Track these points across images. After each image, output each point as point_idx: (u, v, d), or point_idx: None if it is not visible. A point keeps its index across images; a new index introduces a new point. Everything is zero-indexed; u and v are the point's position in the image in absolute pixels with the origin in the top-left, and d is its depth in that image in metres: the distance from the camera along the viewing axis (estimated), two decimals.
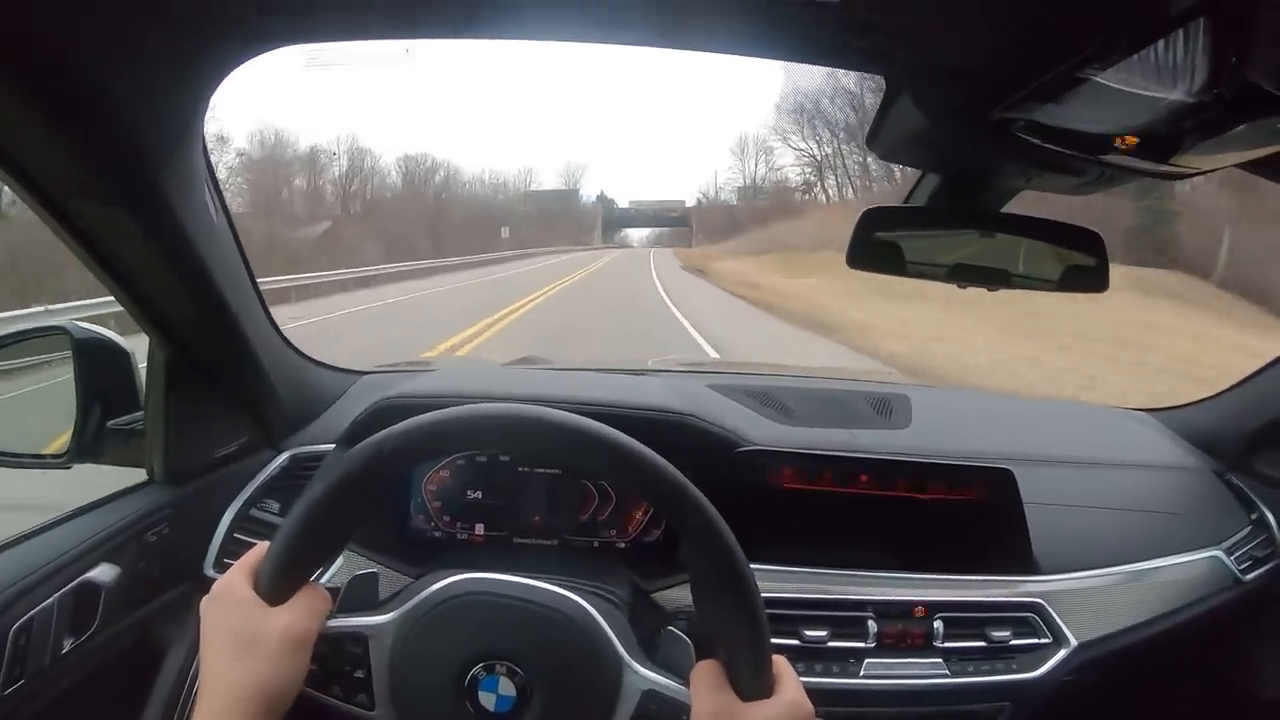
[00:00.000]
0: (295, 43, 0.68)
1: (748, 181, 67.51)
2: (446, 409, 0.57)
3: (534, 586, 0.63)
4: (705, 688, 0.57)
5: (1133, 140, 0.69)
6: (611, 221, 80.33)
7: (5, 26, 0.51)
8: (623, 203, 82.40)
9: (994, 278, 0.82)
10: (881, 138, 0.76)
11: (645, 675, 0.61)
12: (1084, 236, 0.84)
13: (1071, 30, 0.55)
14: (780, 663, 0.58)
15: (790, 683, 0.58)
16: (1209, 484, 1.11)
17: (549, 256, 43.41)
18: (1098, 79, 0.59)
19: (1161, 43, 0.54)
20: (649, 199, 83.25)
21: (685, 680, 0.59)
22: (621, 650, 0.62)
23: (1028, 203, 0.88)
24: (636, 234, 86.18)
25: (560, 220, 73.14)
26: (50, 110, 0.58)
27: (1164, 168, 0.76)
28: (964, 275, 0.82)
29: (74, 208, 0.68)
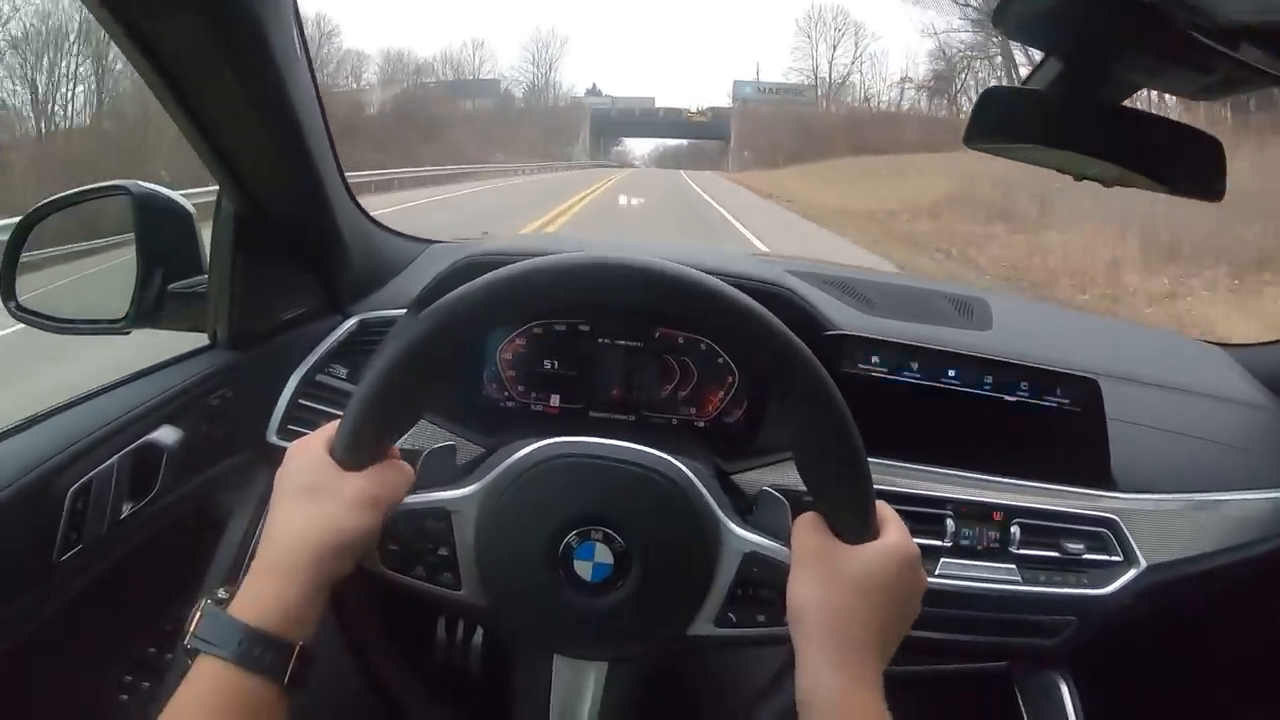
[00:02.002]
0: None
1: (822, 75, 49.94)
2: (524, 261, 0.53)
3: (628, 448, 0.60)
4: (807, 533, 0.56)
5: (1273, 38, 0.65)
6: (606, 126, 61.98)
7: None
8: (621, 100, 62.73)
9: (1110, 171, 0.78)
10: (1011, 13, 0.72)
11: (745, 536, 0.59)
12: (1203, 141, 0.81)
13: None
14: (885, 509, 0.57)
15: (895, 527, 0.57)
16: (1278, 424, 1.09)
17: (485, 180, 26.93)
18: None
19: None
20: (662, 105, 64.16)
21: (785, 540, 0.57)
22: (720, 513, 0.59)
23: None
24: (641, 147, 70.27)
25: (523, 122, 54.54)
26: None
27: None
28: (1080, 165, 0.78)
29: (151, 18, 0.63)
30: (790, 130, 45.84)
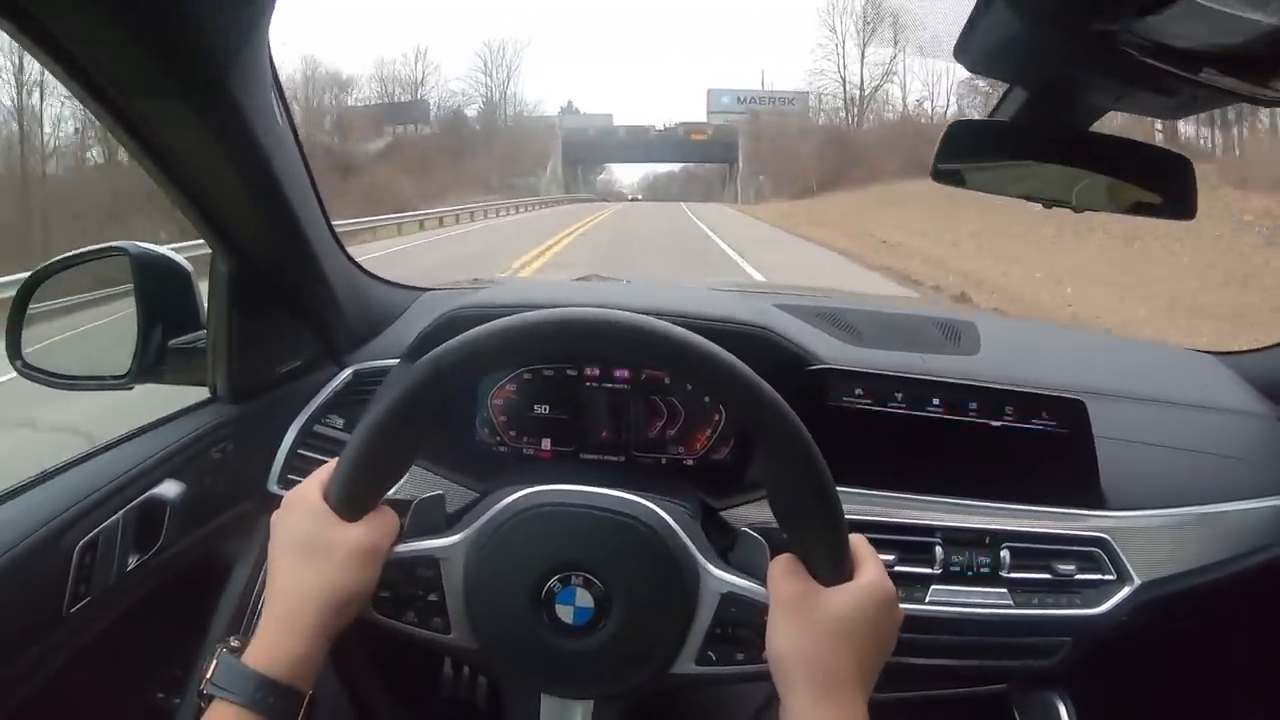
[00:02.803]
0: None
1: (854, 80, 38.47)
2: (508, 318, 0.56)
3: (606, 495, 0.63)
4: (783, 577, 0.57)
5: (1232, 60, 0.66)
6: (583, 151, 50.59)
7: None
8: (599, 119, 51.76)
9: (1080, 197, 0.79)
10: (971, 47, 0.73)
11: (723, 578, 0.61)
12: (1172, 161, 0.82)
13: None
14: (860, 545, 0.58)
15: (870, 564, 0.58)
16: (1275, 432, 1.09)
17: (407, 236, 17.64)
18: None
19: None
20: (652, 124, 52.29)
21: (762, 580, 0.59)
22: (698, 555, 0.61)
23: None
24: (628, 174, 60.23)
25: (472, 149, 42.28)
26: (111, 2, 0.56)
27: (1263, 91, 0.73)
28: (1047, 194, 0.80)
29: (135, 104, 0.66)
30: (817, 147, 36.73)
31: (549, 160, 46.65)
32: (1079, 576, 0.89)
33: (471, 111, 48.03)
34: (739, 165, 44.42)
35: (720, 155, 49.30)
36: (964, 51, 0.74)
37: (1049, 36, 0.70)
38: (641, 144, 51.56)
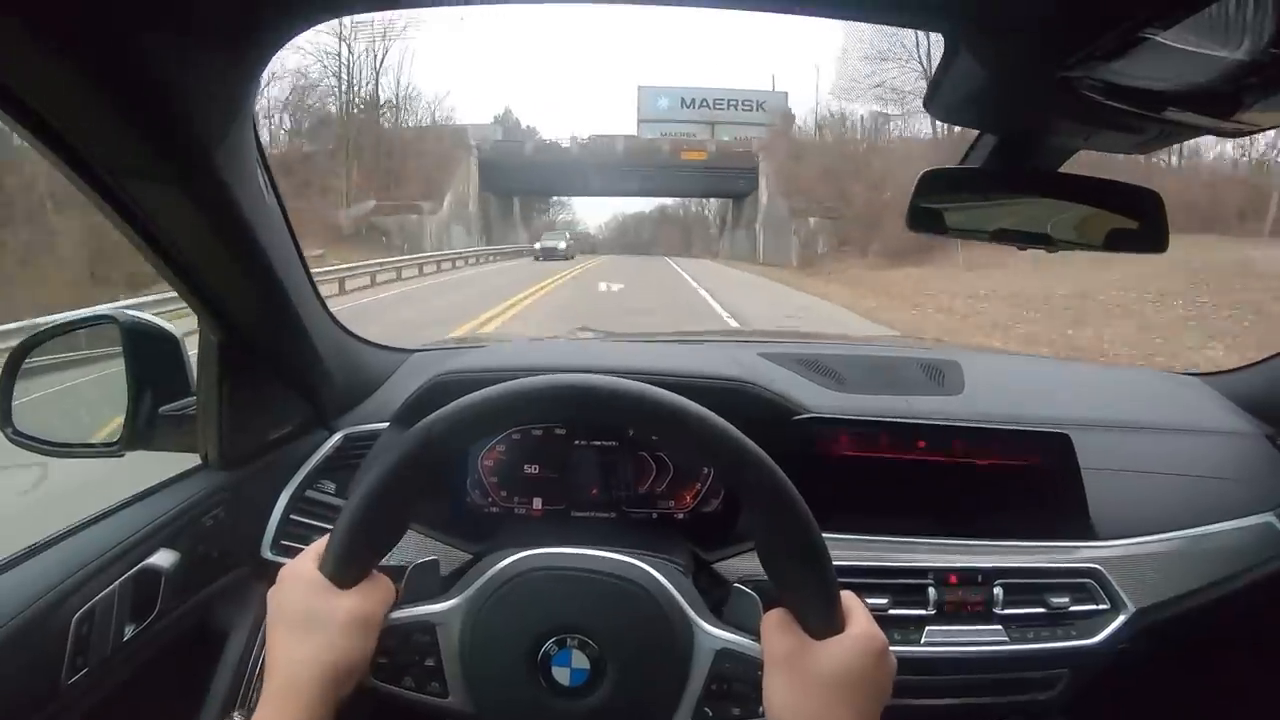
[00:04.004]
0: (343, 14, 0.67)
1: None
2: (493, 386, 0.58)
3: (597, 556, 0.64)
4: (776, 633, 0.58)
5: (1194, 98, 0.68)
6: (515, 176, 33.04)
7: (53, 3, 0.51)
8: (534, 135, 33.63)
9: (1055, 239, 0.81)
10: (940, 98, 0.75)
11: (717, 635, 0.61)
12: (1143, 196, 0.83)
13: None
14: (849, 599, 0.59)
15: (861, 616, 0.58)
16: (1261, 449, 1.10)
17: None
18: (1159, 39, 0.58)
19: (1222, 2, 0.53)
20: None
21: (756, 635, 0.60)
22: (691, 613, 0.62)
23: (1081, 165, 0.86)
24: (591, 215, 49.65)
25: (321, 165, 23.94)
26: (99, 87, 0.57)
27: (1225, 124, 0.75)
28: (1023, 237, 0.81)
29: (124, 187, 0.67)
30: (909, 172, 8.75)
31: (454, 183, 28.21)
32: (1073, 608, 0.90)
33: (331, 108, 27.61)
34: (760, 200, 28.80)
35: (731, 186, 32.93)
36: (933, 102, 0.76)
37: (1014, 85, 0.72)
38: (605, 168, 32.21)
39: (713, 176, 32.67)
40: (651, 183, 35.64)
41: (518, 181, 34.93)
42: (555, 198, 42.58)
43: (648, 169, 32.86)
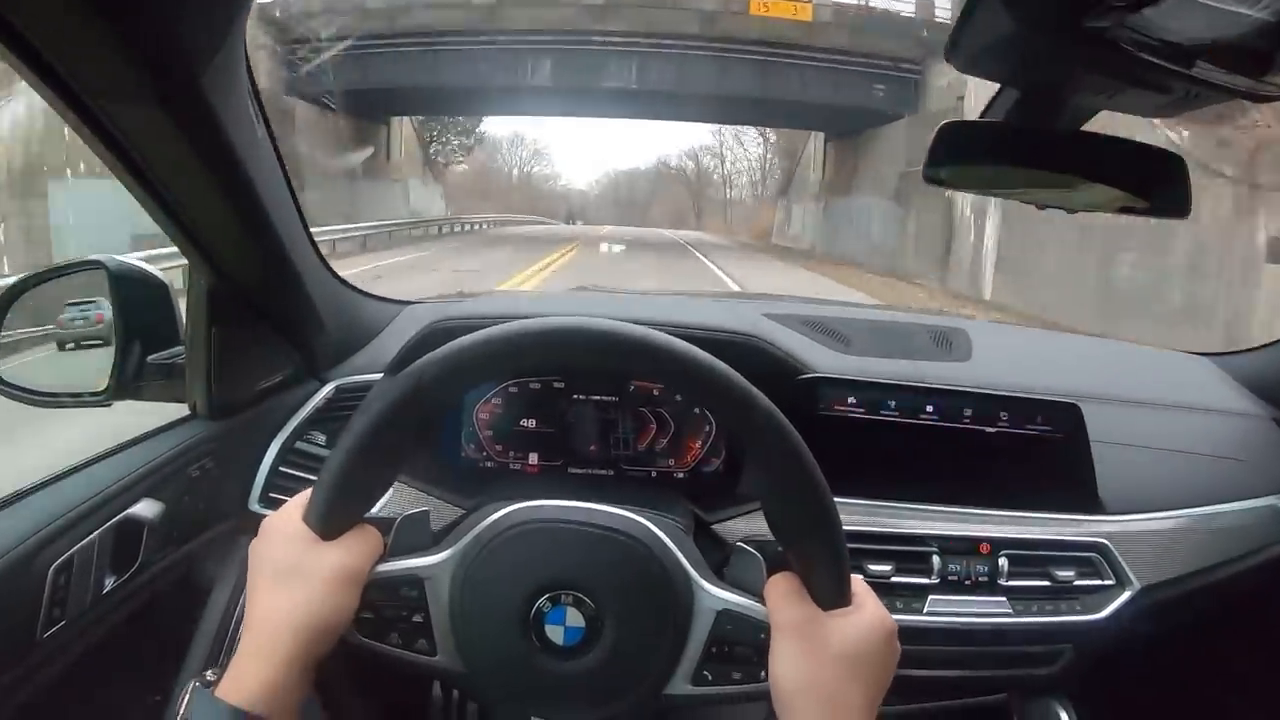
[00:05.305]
0: None
1: None
2: (489, 329, 0.55)
3: (595, 510, 0.61)
4: (783, 599, 0.56)
5: (1225, 54, 0.66)
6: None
7: None
8: None
9: (1074, 199, 0.79)
10: (962, 47, 0.72)
11: (718, 595, 0.59)
12: (1165, 159, 0.81)
13: None
14: (856, 580, 0.57)
15: (870, 598, 0.57)
16: (1269, 431, 1.09)
17: None
18: None
19: None
20: None
21: (759, 597, 0.57)
22: (692, 571, 0.59)
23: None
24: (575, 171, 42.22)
25: None
26: (84, 4, 0.54)
27: (1255, 85, 0.72)
28: (1042, 196, 0.79)
29: (109, 111, 0.64)
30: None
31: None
32: (1078, 582, 0.88)
33: None
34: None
35: (853, 96, 15.87)
36: (954, 52, 0.74)
37: (1038, 36, 0.69)
38: (565, 52, 16.81)
39: (809, 75, 16.15)
40: (665, 78, 16.86)
41: (386, 75, 17.11)
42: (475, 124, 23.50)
43: (662, 47, 16.21)
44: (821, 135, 20.78)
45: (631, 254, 18.12)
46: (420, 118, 25.78)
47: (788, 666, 0.54)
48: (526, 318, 0.55)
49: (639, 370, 0.56)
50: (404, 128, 23.91)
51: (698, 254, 17.76)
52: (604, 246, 16.35)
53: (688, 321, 0.90)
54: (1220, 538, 0.94)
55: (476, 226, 22.59)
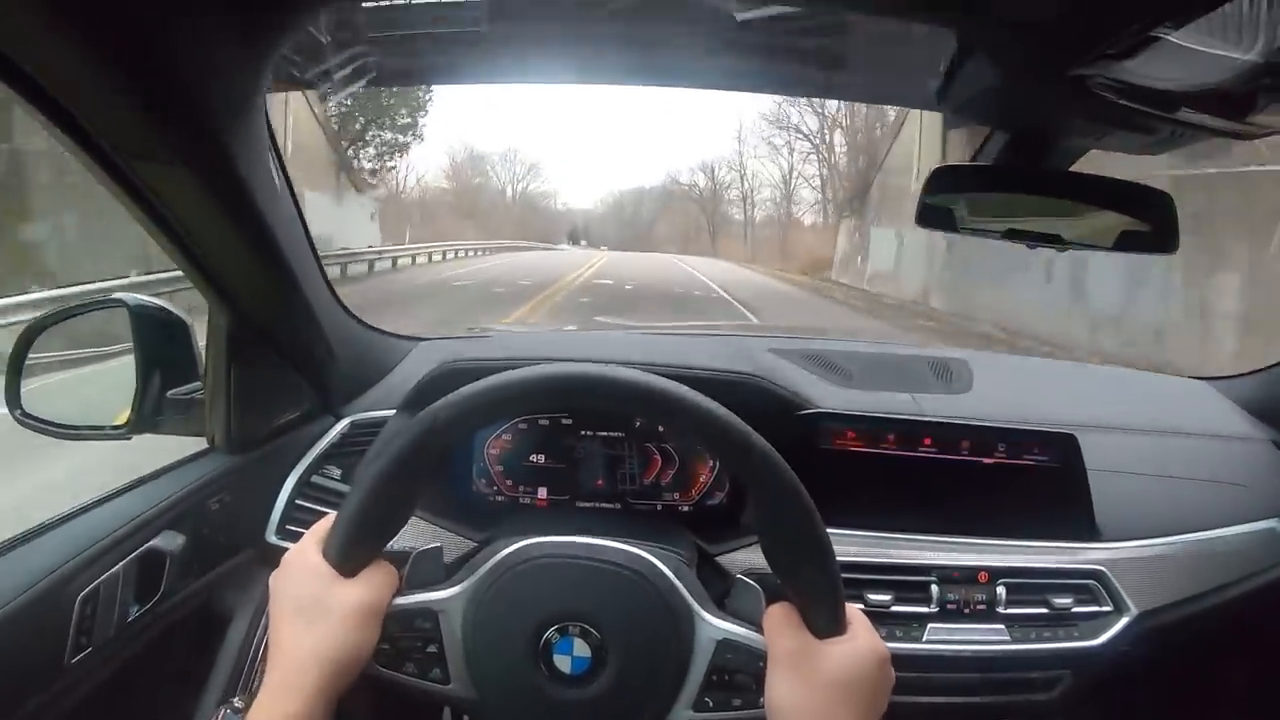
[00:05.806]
0: None
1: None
2: (499, 374, 0.58)
3: (600, 545, 0.64)
4: (780, 629, 0.58)
5: (1208, 99, 0.68)
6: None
7: None
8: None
9: (1065, 239, 0.81)
10: (951, 95, 0.75)
11: (718, 625, 0.61)
12: (1154, 197, 0.83)
13: None
14: (851, 609, 0.59)
15: (864, 627, 0.59)
16: (1268, 454, 1.10)
17: None
18: (1172, 39, 0.58)
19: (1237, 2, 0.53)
20: None
21: (758, 627, 0.60)
22: (693, 602, 0.62)
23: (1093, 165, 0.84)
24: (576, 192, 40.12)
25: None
26: (113, 69, 0.58)
27: (1239, 126, 0.74)
28: (1032, 235, 0.81)
29: (136, 169, 0.68)
30: None
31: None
32: (1076, 609, 0.90)
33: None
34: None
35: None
36: (943, 99, 0.76)
37: (1026, 83, 0.71)
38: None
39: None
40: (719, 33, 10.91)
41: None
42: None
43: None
44: (938, 119, 12.81)
45: (636, 303, 12.90)
46: (325, 102, 15.45)
47: (783, 692, 0.56)
48: (536, 359, 0.59)
49: (641, 414, 0.58)
50: (291, 113, 14.65)
51: (748, 313, 12.18)
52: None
53: (691, 363, 0.93)
54: (1219, 562, 0.95)
55: (437, 257, 18.92)
